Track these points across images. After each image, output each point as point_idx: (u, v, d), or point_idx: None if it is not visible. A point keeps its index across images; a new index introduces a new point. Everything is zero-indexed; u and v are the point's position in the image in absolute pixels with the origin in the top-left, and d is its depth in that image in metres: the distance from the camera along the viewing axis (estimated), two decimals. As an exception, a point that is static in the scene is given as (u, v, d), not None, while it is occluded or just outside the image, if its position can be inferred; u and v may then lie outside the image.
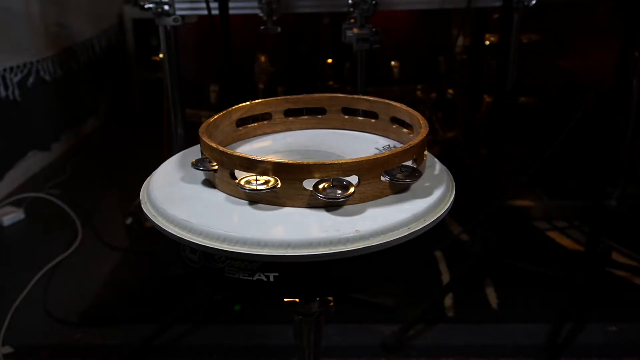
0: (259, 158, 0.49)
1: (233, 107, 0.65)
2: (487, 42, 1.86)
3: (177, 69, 1.31)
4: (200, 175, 0.56)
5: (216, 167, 0.53)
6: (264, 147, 0.66)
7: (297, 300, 0.61)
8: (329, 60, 1.72)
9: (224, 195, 0.53)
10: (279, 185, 0.49)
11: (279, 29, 1.22)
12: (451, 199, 0.54)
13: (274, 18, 1.21)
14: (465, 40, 1.89)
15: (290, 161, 0.49)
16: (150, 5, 1.23)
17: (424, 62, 1.80)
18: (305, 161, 0.49)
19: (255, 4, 1.21)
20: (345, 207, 0.50)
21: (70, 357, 1.24)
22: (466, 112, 1.88)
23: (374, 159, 0.49)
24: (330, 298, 0.61)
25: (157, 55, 2.25)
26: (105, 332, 1.32)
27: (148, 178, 0.58)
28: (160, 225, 0.50)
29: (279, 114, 0.68)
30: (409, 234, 0.48)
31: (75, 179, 2.14)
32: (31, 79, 2.15)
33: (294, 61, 1.74)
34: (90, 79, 2.65)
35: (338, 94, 0.69)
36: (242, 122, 0.66)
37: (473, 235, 1.60)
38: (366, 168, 0.49)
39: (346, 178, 0.50)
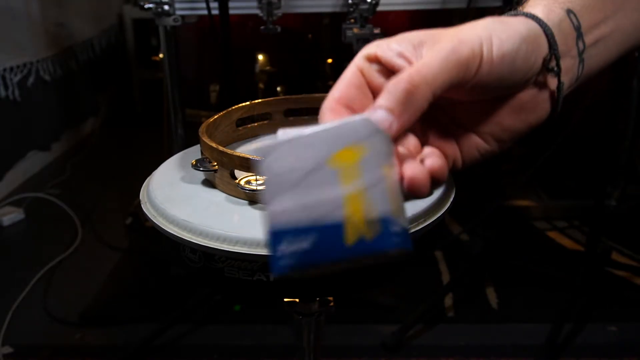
0: (259, 158, 0.49)
1: (233, 107, 0.65)
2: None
3: (177, 69, 1.31)
4: (200, 175, 0.56)
5: (216, 167, 0.53)
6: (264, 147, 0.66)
7: (297, 300, 0.61)
8: (329, 60, 1.71)
9: (224, 195, 0.53)
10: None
11: (279, 29, 1.22)
12: (451, 199, 0.54)
13: (274, 18, 1.21)
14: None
15: (290, 161, 0.49)
16: (150, 5, 1.23)
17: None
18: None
19: (255, 4, 1.21)
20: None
21: (70, 357, 1.24)
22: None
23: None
24: (330, 298, 0.61)
25: (157, 55, 2.25)
26: (105, 332, 1.32)
27: (148, 178, 0.58)
28: (160, 225, 0.50)
29: (279, 114, 0.68)
30: (409, 234, 0.48)
31: (75, 179, 2.14)
32: (31, 79, 2.15)
33: (294, 61, 1.74)
34: (90, 79, 2.65)
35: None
36: (242, 122, 0.66)
37: (473, 235, 1.60)
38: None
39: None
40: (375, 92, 0.34)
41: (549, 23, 0.35)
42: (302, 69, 1.76)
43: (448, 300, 1.37)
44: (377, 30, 1.20)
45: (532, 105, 0.35)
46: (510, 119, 0.35)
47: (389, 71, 0.34)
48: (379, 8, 1.19)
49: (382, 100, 0.31)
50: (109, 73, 2.83)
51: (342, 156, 0.26)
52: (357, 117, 0.27)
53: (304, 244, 0.25)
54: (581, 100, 1.25)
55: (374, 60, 0.34)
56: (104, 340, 1.29)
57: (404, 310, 1.32)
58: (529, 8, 0.36)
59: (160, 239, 0.51)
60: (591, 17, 0.37)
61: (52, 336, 1.30)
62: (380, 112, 0.30)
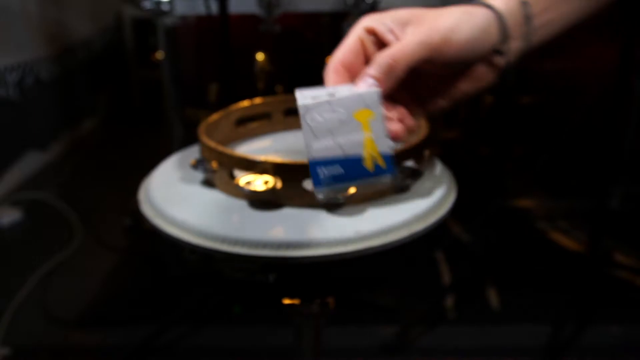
0: (258, 158, 0.49)
1: (233, 107, 0.64)
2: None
3: (176, 68, 1.31)
4: (200, 175, 0.55)
5: (215, 167, 0.52)
6: (264, 147, 0.65)
7: (297, 301, 0.60)
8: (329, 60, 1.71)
9: (224, 195, 0.52)
10: (279, 186, 0.49)
11: (279, 29, 1.22)
12: (452, 199, 0.53)
13: (274, 17, 1.21)
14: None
15: (290, 161, 0.48)
16: (150, 5, 1.22)
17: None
18: (305, 161, 0.48)
19: (255, 3, 1.21)
20: (346, 207, 0.49)
21: (70, 357, 1.24)
22: (466, 112, 1.88)
23: (374, 158, 0.49)
24: (331, 299, 0.61)
25: (157, 54, 2.25)
26: (105, 332, 1.32)
27: (147, 178, 0.58)
28: (159, 226, 0.50)
29: (278, 113, 0.68)
30: (410, 234, 0.48)
31: (74, 179, 2.14)
32: (29, 79, 2.15)
33: (294, 61, 1.74)
34: (89, 79, 2.65)
35: (338, 93, 0.69)
36: (242, 122, 0.66)
37: (474, 236, 1.60)
38: (367, 168, 0.49)
39: (347, 178, 0.49)
40: (367, 59, 0.44)
41: (505, 12, 0.45)
42: (301, 69, 1.76)
43: (449, 301, 1.36)
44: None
45: (483, 76, 0.47)
46: (466, 85, 0.47)
47: (380, 42, 0.43)
48: (379, 8, 1.19)
49: (371, 70, 0.41)
50: (108, 72, 2.83)
51: (362, 114, 0.38)
52: (371, 89, 0.40)
53: (338, 169, 0.39)
54: (582, 99, 1.25)
55: (371, 32, 0.44)
56: (104, 340, 1.29)
57: (404, 311, 1.32)
58: None
59: (159, 240, 0.50)
60: (540, 5, 0.47)
61: (52, 336, 1.30)
62: (369, 80, 0.41)
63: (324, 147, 0.38)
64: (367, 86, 0.40)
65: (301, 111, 0.38)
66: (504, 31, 0.45)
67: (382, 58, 0.41)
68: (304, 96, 0.39)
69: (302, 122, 0.38)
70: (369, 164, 0.38)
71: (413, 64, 0.41)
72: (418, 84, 0.46)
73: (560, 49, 1.69)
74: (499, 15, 0.44)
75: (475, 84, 0.47)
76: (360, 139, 0.38)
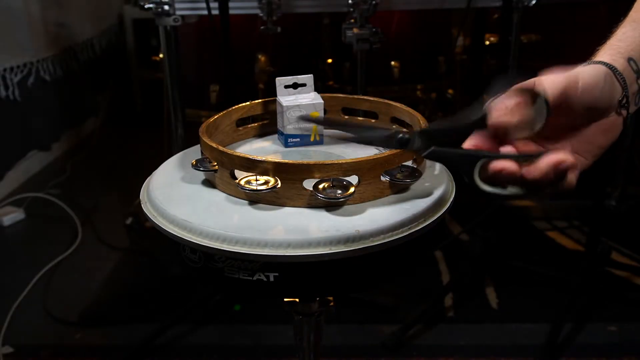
0: (259, 158, 0.49)
1: (233, 107, 0.65)
2: (487, 42, 1.86)
3: (177, 69, 1.31)
4: (200, 175, 0.56)
5: (216, 167, 0.53)
6: (264, 147, 0.66)
7: (297, 300, 0.61)
8: (329, 60, 1.72)
9: (224, 195, 0.53)
10: (279, 186, 0.49)
11: (279, 29, 1.22)
12: (451, 199, 0.54)
13: (274, 18, 1.21)
14: (465, 40, 1.89)
15: (291, 161, 0.49)
16: (150, 5, 1.23)
17: (424, 62, 1.80)
18: (305, 161, 0.49)
19: (255, 4, 1.21)
20: (345, 207, 0.50)
21: (70, 357, 1.24)
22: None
23: (373, 159, 0.49)
24: (330, 298, 0.61)
25: (157, 55, 2.25)
26: (105, 332, 1.32)
27: (148, 178, 0.58)
28: (161, 225, 0.50)
29: (279, 114, 0.68)
30: (409, 234, 0.48)
31: (75, 179, 2.14)
32: (31, 79, 2.15)
33: (294, 61, 1.74)
34: (90, 79, 2.65)
35: (338, 94, 0.69)
36: (242, 122, 0.67)
37: (473, 235, 1.60)
38: (366, 168, 0.49)
39: (346, 178, 0.50)
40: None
41: (619, 67, 0.49)
42: (302, 69, 1.76)
43: (448, 300, 1.37)
44: (376, 30, 1.20)
45: (615, 126, 0.51)
46: (602, 138, 0.51)
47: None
48: (379, 8, 1.19)
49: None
50: (109, 73, 2.83)
51: (313, 113, 0.63)
52: (318, 101, 0.65)
53: (297, 139, 0.64)
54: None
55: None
56: (104, 340, 1.29)
57: (404, 310, 1.32)
58: (597, 58, 0.51)
59: (160, 239, 0.51)
60: None
61: (52, 336, 1.31)
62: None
63: (292, 128, 0.63)
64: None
65: (283, 109, 0.64)
66: (624, 82, 0.49)
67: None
68: (285, 99, 0.64)
69: (283, 114, 0.64)
70: (312, 138, 0.64)
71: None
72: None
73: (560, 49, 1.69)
74: (615, 71, 0.49)
75: (609, 136, 0.51)
76: (310, 126, 0.64)
